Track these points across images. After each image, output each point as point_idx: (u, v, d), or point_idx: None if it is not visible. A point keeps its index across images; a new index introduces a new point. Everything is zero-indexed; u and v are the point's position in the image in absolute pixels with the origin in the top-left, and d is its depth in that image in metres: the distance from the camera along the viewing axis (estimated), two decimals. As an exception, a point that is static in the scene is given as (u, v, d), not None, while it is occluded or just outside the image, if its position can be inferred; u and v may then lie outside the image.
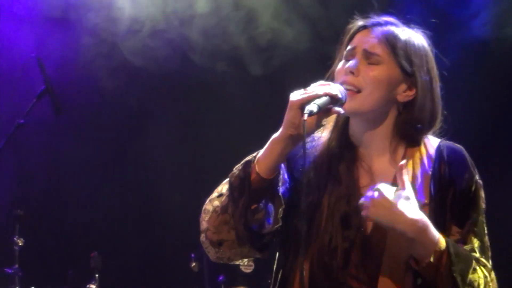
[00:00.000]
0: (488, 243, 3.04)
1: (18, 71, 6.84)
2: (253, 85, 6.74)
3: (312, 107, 2.87)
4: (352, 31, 3.14)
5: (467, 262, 2.88)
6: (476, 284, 2.86)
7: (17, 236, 6.36)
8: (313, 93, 2.90)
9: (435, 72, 3.14)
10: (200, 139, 6.92)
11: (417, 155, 3.11)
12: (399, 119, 3.10)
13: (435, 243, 2.84)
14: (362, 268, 2.98)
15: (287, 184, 3.12)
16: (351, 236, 3.00)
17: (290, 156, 3.13)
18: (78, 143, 7.43)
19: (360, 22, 3.15)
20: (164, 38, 7.24)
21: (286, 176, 3.12)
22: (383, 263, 2.96)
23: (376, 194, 2.80)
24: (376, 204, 2.80)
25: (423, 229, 2.84)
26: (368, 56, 3.06)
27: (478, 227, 3.02)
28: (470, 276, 2.86)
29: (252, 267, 6.46)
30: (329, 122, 3.17)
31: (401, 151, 3.13)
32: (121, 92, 7.37)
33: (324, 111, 2.92)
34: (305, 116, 2.86)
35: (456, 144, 3.13)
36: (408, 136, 3.11)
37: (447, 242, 2.84)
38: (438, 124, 3.15)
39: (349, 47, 3.11)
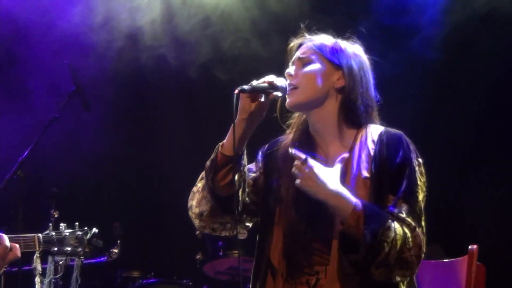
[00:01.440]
0: (419, 208, 3.04)
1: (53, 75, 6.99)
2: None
3: (246, 86, 3.09)
4: (293, 48, 3.33)
5: (380, 221, 2.92)
6: (389, 239, 2.88)
7: (53, 209, 6.44)
8: (256, 82, 3.13)
9: (364, 66, 3.27)
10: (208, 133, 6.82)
11: (361, 139, 3.19)
12: (339, 102, 3.21)
13: (352, 207, 2.91)
14: (320, 232, 3.09)
15: (260, 171, 3.32)
16: (312, 208, 3.09)
17: (265, 152, 3.37)
18: (102, 133, 7.50)
19: (297, 41, 3.34)
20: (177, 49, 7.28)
21: (260, 164, 3.33)
22: (335, 227, 3.04)
23: (307, 169, 2.94)
24: (306, 177, 2.94)
25: (340, 198, 2.94)
26: (301, 60, 3.23)
27: (409, 195, 3.04)
28: (383, 234, 2.89)
29: (246, 235, 6.56)
30: (294, 126, 3.34)
31: (349, 136, 3.22)
32: (140, 94, 7.46)
33: (264, 94, 3.13)
34: (236, 91, 3.08)
35: (396, 130, 3.21)
36: (351, 120, 3.21)
37: (363, 206, 2.92)
38: (375, 110, 3.27)
39: (291, 62, 3.28)
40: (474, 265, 3.50)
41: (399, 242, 2.91)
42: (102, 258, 6.52)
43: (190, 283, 6.46)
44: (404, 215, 3.01)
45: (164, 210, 7.48)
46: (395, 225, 2.94)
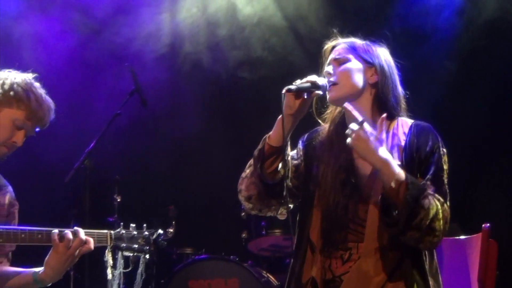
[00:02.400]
0: (445, 190, 3.11)
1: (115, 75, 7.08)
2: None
3: (292, 86, 3.13)
4: (327, 50, 3.40)
5: (420, 191, 2.97)
6: (425, 207, 2.94)
7: (116, 194, 6.55)
8: (299, 82, 3.18)
9: (391, 64, 3.33)
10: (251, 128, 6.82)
11: (395, 130, 3.25)
12: (373, 96, 3.27)
13: (396, 174, 2.98)
14: (356, 213, 3.16)
15: (301, 159, 3.39)
16: (347, 193, 3.18)
17: (305, 141, 3.44)
18: (157, 127, 7.64)
19: (329, 44, 3.41)
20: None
21: (301, 152, 3.39)
22: (369, 209, 3.11)
23: (361, 131, 3.00)
24: (359, 138, 2.99)
25: (387, 163, 3.00)
26: (338, 59, 3.29)
27: (436, 178, 3.10)
28: (421, 201, 2.95)
29: (285, 216, 6.57)
30: (330, 119, 3.40)
31: (383, 124, 3.16)
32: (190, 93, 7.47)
33: (307, 92, 3.16)
34: (283, 91, 3.13)
35: (425, 123, 3.27)
36: (384, 108, 3.25)
37: (406, 175, 2.98)
38: (403, 103, 3.34)
39: (327, 62, 3.34)
40: (487, 241, 3.53)
41: (432, 211, 2.97)
42: (151, 230, 6.54)
43: (237, 259, 6.44)
44: (441, 199, 3.06)
45: (213, 194, 7.49)
46: (430, 197, 2.99)
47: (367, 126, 3.04)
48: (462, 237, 3.64)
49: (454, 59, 6.91)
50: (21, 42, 6.82)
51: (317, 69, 3.39)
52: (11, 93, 3.64)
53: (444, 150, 3.21)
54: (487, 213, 3.73)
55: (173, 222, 6.58)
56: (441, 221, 3.00)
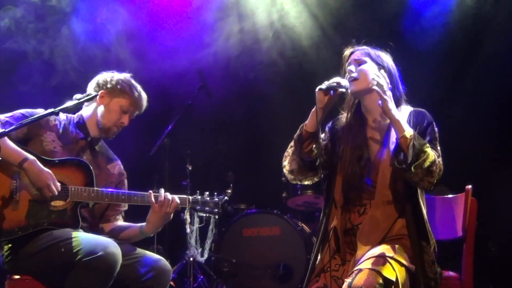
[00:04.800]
0: (439, 152, 3.13)
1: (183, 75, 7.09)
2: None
3: (322, 86, 3.17)
4: (346, 55, 3.40)
5: (423, 142, 3.04)
6: (427, 152, 3.01)
7: (188, 164, 6.57)
8: (327, 82, 3.20)
9: (394, 67, 3.36)
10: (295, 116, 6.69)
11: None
12: None
13: (406, 127, 3.05)
14: (367, 178, 3.22)
15: (328, 139, 3.43)
16: (362, 164, 3.24)
17: (330, 126, 3.49)
18: (222, 108, 7.54)
19: (348, 50, 3.41)
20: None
21: (328, 134, 3.44)
22: (378, 176, 3.18)
23: (386, 96, 3.11)
24: (383, 97, 3.12)
25: (400, 119, 3.08)
26: (357, 61, 3.31)
27: (432, 144, 3.15)
28: (424, 147, 3.02)
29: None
30: (346, 108, 3.44)
31: None
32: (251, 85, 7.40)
33: (333, 90, 3.19)
34: (316, 89, 3.18)
35: (421, 109, 3.32)
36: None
37: (413, 130, 3.06)
38: (404, 96, 3.37)
39: (347, 63, 3.36)
40: (469, 199, 3.53)
41: (431, 158, 3.03)
42: (220, 196, 6.56)
43: (279, 212, 6.46)
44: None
45: (262, 164, 7.47)
46: (430, 148, 3.06)
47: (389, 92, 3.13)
48: (449, 196, 3.65)
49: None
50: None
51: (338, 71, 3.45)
52: (118, 86, 3.81)
53: (436, 128, 3.24)
54: (470, 176, 3.72)
55: (231, 185, 6.62)
56: (437, 168, 3.05)
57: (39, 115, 3.53)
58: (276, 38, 7.18)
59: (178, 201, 3.69)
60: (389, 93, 3.14)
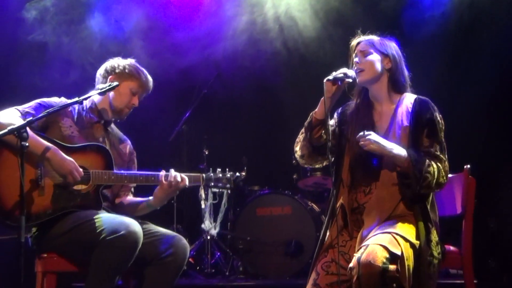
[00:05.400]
0: (444, 146, 3.16)
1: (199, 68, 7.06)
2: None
3: (330, 77, 3.16)
4: (352, 46, 3.36)
5: (423, 163, 3.04)
6: (430, 173, 3.02)
7: (205, 148, 6.62)
8: (335, 73, 3.18)
9: (399, 54, 3.32)
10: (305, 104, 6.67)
11: (404, 102, 3.26)
12: (390, 78, 3.28)
13: (404, 157, 3.05)
14: (375, 159, 3.19)
15: (336, 124, 3.40)
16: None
17: (339, 112, 3.46)
18: (236, 100, 7.55)
19: (355, 41, 3.36)
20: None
21: (336, 120, 3.41)
22: (384, 158, 3.15)
23: (371, 139, 3.06)
24: (370, 144, 3.07)
25: (394, 152, 3.06)
26: (363, 52, 3.29)
27: (438, 138, 3.15)
28: (426, 169, 3.02)
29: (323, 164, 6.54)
30: (355, 94, 3.42)
31: (395, 98, 3.30)
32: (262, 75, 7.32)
33: (341, 80, 3.17)
34: (324, 80, 3.16)
35: (424, 97, 3.28)
36: (396, 87, 3.29)
37: (409, 156, 3.05)
38: (409, 83, 3.34)
39: (354, 54, 3.33)
40: (468, 178, 3.52)
41: (436, 174, 3.05)
42: (232, 172, 6.54)
43: (290, 193, 6.47)
44: (438, 153, 3.14)
45: (274, 147, 7.43)
46: (432, 163, 3.06)
47: (373, 135, 3.09)
48: (450, 175, 3.62)
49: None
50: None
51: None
52: (126, 70, 3.84)
53: (440, 115, 3.22)
54: (469, 157, 3.69)
55: (245, 168, 6.49)
56: (444, 176, 3.09)
57: (64, 104, 3.57)
58: (283, 29, 7.13)
59: (186, 182, 3.71)
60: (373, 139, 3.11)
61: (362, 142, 3.09)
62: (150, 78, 3.91)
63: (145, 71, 3.90)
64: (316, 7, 6.95)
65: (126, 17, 6.63)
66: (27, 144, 3.16)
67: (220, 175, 3.86)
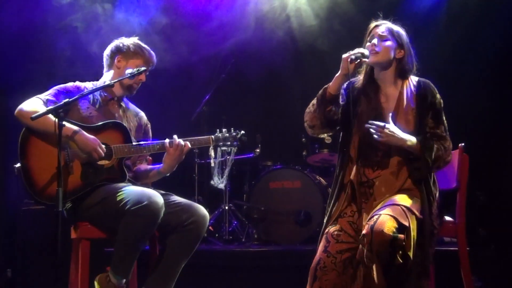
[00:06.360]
0: (445, 125, 3.13)
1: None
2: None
3: (349, 54, 3.07)
4: (371, 28, 3.26)
5: (431, 148, 3.03)
6: (441, 156, 3.04)
7: (223, 127, 6.53)
8: (353, 52, 3.10)
9: (409, 43, 3.23)
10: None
11: (408, 85, 3.19)
12: (398, 66, 3.20)
13: (416, 145, 3.03)
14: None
15: (345, 101, 3.27)
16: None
17: (348, 88, 3.31)
18: (252, 83, 7.43)
19: (374, 23, 3.26)
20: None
21: (345, 96, 3.28)
22: None
23: (387, 130, 3.03)
24: (387, 135, 3.03)
25: (408, 142, 3.04)
26: (381, 36, 3.19)
27: (441, 119, 3.12)
28: (436, 154, 3.02)
29: (330, 140, 6.54)
30: (362, 72, 3.31)
31: (399, 83, 3.21)
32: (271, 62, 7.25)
33: (358, 59, 3.08)
34: (343, 56, 3.09)
35: (426, 80, 3.23)
36: (402, 74, 3.21)
37: (421, 142, 3.05)
38: (415, 69, 3.26)
39: (371, 35, 3.23)
40: (462, 155, 3.48)
41: (444, 155, 3.07)
42: (250, 155, 6.59)
43: (300, 168, 6.46)
44: (444, 133, 3.11)
45: (286, 127, 7.32)
46: (440, 145, 3.06)
47: (388, 125, 3.05)
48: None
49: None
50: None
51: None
52: (131, 49, 3.80)
53: (440, 96, 3.18)
54: (463, 135, 3.64)
55: (259, 145, 6.62)
56: (450, 155, 3.10)
57: (92, 89, 3.61)
58: (290, 20, 7.06)
59: (189, 145, 3.71)
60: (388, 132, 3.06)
61: (380, 134, 3.04)
62: (153, 54, 3.88)
63: (148, 48, 3.87)
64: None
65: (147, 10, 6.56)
66: (64, 123, 3.20)
67: (227, 134, 3.85)
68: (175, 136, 3.70)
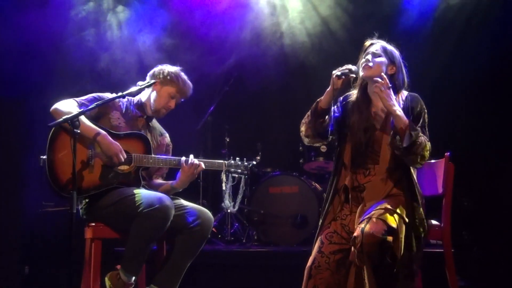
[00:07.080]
0: (427, 135, 3.07)
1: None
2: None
3: (337, 72, 3.08)
4: (366, 46, 3.25)
5: (417, 132, 2.95)
6: (420, 140, 2.94)
7: (226, 136, 6.57)
8: (341, 68, 3.10)
9: (402, 61, 3.22)
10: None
11: (398, 100, 3.14)
12: (390, 81, 3.11)
13: (403, 119, 2.97)
14: (373, 147, 3.14)
15: (340, 113, 3.29)
16: (368, 135, 3.15)
17: (342, 101, 3.33)
18: (253, 96, 7.40)
19: (369, 41, 3.25)
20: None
21: (340, 108, 3.30)
22: (382, 144, 3.10)
23: (387, 89, 3.01)
24: (385, 93, 3.03)
25: (398, 111, 3.00)
26: (374, 53, 3.16)
27: (424, 128, 3.08)
28: (418, 138, 2.95)
29: (326, 149, 6.47)
30: (356, 86, 3.29)
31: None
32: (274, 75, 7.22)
33: (346, 75, 3.08)
34: (333, 75, 3.09)
35: (414, 93, 3.21)
36: (393, 90, 3.14)
37: (409, 121, 2.98)
38: (407, 86, 3.24)
39: (366, 52, 3.21)
40: (447, 164, 3.46)
41: (424, 144, 2.98)
42: (249, 161, 6.53)
43: (297, 174, 6.43)
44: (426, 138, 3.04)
45: (284, 136, 7.30)
46: (423, 137, 3.00)
47: (386, 83, 3.03)
48: (432, 161, 3.58)
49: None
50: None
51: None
52: (168, 77, 3.81)
53: (427, 115, 3.16)
54: (449, 144, 3.64)
55: (259, 153, 6.66)
56: (427, 152, 3.00)
57: (110, 97, 3.60)
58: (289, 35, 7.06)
59: (203, 166, 3.72)
60: (388, 91, 3.04)
61: (377, 85, 3.03)
62: (189, 85, 3.88)
63: (186, 79, 3.86)
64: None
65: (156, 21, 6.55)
66: (78, 131, 3.20)
67: (239, 163, 3.87)
68: (191, 156, 3.71)
